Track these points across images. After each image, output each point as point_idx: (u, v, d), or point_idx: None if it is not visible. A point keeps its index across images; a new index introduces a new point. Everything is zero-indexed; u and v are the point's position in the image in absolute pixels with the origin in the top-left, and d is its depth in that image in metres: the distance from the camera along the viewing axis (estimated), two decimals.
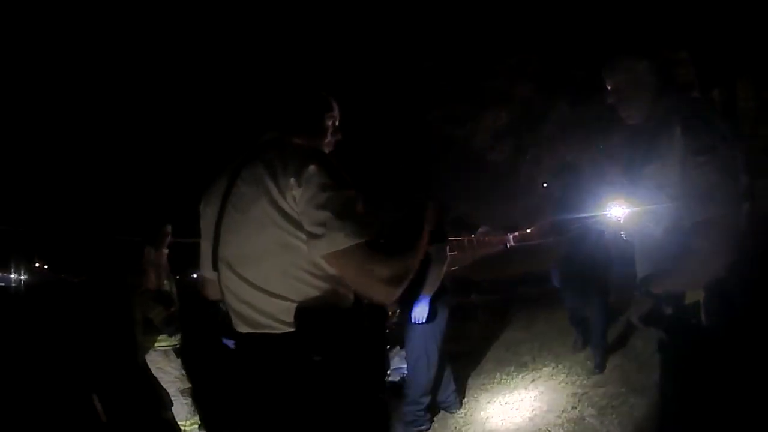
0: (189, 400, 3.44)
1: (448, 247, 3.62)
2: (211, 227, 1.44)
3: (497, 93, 9.39)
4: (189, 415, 3.44)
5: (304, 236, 1.28)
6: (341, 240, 1.25)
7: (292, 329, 1.29)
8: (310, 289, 1.32)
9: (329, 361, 1.29)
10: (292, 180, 1.28)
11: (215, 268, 1.44)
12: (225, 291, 1.43)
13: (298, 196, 1.28)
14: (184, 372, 3.49)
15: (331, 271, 1.32)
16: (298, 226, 1.29)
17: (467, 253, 26.51)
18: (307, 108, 1.59)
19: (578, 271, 3.96)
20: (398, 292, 1.35)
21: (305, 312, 1.29)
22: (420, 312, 3.43)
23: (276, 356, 1.34)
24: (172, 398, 3.44)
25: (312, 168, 1.28)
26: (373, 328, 1.41)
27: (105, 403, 3.47)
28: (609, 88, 1.75)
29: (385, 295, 1.35)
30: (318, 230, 1.26)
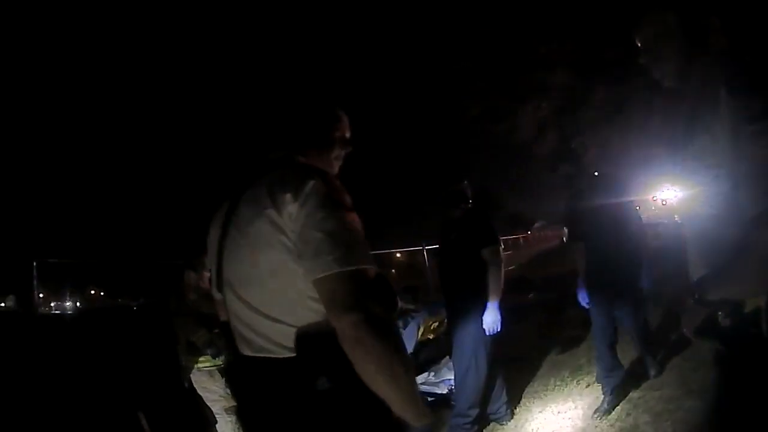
0: (233, 418, 3.49)
1: (501, 248, 3.44)
2: (215, 248, 1.41)
3: (534, 84, 9.10)
4: None
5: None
6: (328, 264, 1.15)
7: (293, 354, 1.21)
8: (311, 313, 1.22)
9: (334, 388, 1.19)
10: (288, 195, 1.20)
11: (220, 289, 1.41)
12: (229, 312, 1.40)
13: (294, 212, 1.19)
14: (228, 391, 3.53)
15: None
16: (296, 245, 1.20)
17: (523, 251, 26.02)
18: (313, 123, 1.51)
19: (604, 284, 3.37)
20: (369, 342, 1.12)
21: (306, 337, 1.21)
22: (491, 321, 3.27)
23: (278, 382, 1.28)
24: (217, 416, 3.51)
25: (311, 184, 1.20)
26: None
27: (151, 421, 3.58)
28: (639, 45, 1.55)
29: (353, 340, 1.13)
30: (307, 252, 1.17)
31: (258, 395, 1.35)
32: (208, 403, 3.52)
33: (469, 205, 3.54)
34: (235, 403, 3.51)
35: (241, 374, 1.42)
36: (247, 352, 1.34)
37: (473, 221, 3.49)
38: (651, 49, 1.50)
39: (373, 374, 1.14)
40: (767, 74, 1.23)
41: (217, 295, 1.46)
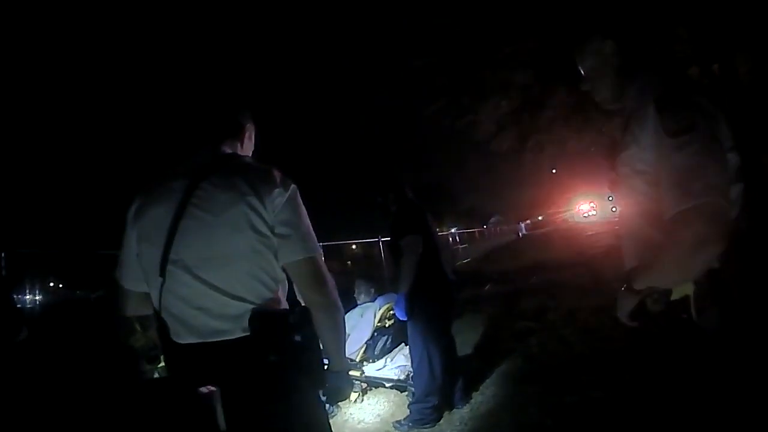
0: None
1: (421, 238, 3.39)
2: (163, 230, 1.41)
3: (496, 82, 9.24)
4: None
5: (273, 243, 1.41)
6: (310, 249, 1.45)
7: (247, 333, 1.36)
8: (267, 292, 1.42)
9: (284, 361, 1.37)
10: (277, 190, 1.42)
11: (162, 273, 1.40)
12: (170, 298, 1.41)
13: (280, 205, 1.42)
14: None
15: (281, 276, 1.47)
16: (270, 232, 1.41)
17: (479, 244, 26.56)
18: (237, 120, 1.70)
19: None
20: (337, 305, 1.49)
21: (262, 315, 1.38)
22: (398, 312, 3.42)
23: (232, 362, 1.36)
24: None
25: (293, 186, 1.47)
26: (312, 329, 1.45)
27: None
28: (582, 73, 1.69)
29: (334, 301, 1.48)
30: (291, 237, 1.42)
31: (211, 380, 1.34)
32: None
33: (407, 198, 3.61)
34: None
35: (179, 363, 1.44)
36: (190, 340, 1.39)
37: (400, 213, 3.56)
38: (590, 77, 1.66)
39: (333, 330, 1.47)
40: (698, 89, 1.41)
41: (137, 285, 1.51)
